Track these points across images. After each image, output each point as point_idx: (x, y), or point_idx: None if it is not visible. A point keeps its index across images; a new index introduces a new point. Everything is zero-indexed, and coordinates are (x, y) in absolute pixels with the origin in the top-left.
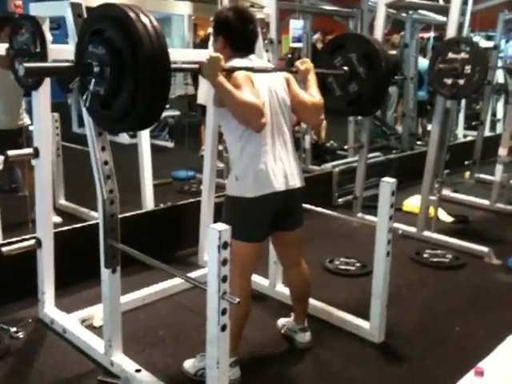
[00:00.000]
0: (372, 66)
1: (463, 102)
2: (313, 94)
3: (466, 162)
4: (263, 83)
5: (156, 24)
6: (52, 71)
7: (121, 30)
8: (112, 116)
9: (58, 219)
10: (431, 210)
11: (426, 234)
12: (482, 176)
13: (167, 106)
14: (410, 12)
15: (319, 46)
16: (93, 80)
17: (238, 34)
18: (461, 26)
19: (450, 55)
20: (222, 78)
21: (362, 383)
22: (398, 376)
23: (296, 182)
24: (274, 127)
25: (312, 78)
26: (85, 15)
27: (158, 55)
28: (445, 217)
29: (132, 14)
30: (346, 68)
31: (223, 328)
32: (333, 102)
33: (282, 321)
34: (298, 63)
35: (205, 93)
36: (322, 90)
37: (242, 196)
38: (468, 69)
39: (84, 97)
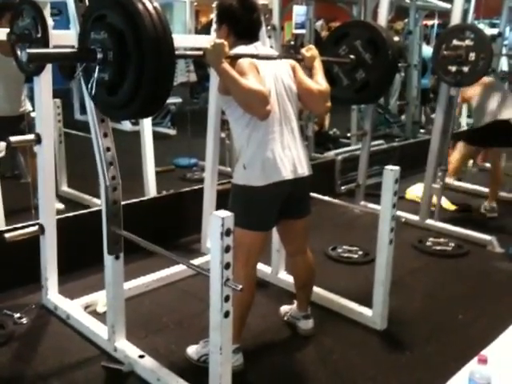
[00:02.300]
0: (377, 51)
1: None
2: (319, 82)
3: None
4: (269, 71)
5: (157, 5)
6: (56, 57)
7: (123, 14)
8: (116, 102)
9: (60, 206)
10: (434, 199)
11: (429, 222)
12: (486, 164)
13: None
14: None
15: (323, 33)
16: (97, 67)
17: (242, 22)
18: (465, 13)
19: (455, 42)
20: (226, 65)
21: (365, 370)
22: (401, 363)
23: (304, 170)
24: (282, 115)
25: (318, 65)
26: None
27: (160, 37)
28: (448, 205)
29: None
30: (352, 56)
31: (226, 314)
32: (340, 92)
33: (284, 308)
34: (303, 50)
35: None
36: (329, 81)
37: (250, 185)
38: (472, 56)
39: (89, 85)
